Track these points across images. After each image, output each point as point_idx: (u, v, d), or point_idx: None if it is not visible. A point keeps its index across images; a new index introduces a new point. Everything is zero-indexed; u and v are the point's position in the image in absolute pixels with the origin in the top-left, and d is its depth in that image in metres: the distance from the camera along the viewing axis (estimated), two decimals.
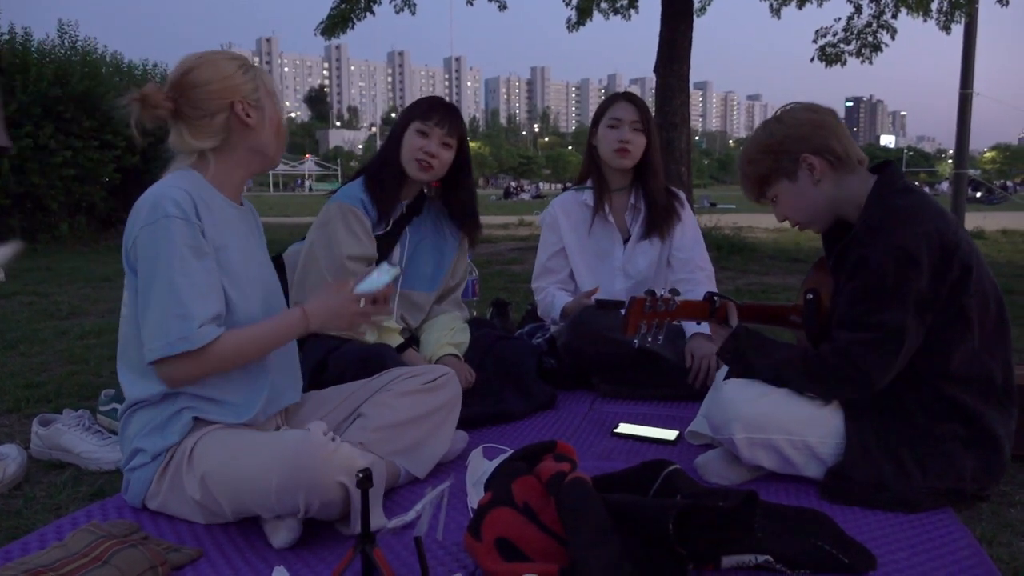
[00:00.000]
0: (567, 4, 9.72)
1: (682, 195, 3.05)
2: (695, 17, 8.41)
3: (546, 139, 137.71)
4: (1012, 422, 1.83)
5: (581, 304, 2.80)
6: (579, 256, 3.00)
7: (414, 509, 1.69)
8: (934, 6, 9.08)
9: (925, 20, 9.22)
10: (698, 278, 2.90)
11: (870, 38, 9.94)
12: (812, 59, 10.30)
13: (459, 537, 1.58)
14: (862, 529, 1.66)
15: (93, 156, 9.04)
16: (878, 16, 9.82)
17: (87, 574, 1.35)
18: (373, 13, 9.22)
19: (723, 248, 7.91)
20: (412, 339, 2.54)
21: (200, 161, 1.72)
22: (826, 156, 1.87)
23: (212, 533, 1.63)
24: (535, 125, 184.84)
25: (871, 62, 10.02)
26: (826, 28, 10.15)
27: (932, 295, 1.72)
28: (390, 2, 9.25)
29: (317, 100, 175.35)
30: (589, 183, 2.97)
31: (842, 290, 1.83)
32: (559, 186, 67.42)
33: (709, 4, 10.02)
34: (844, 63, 10.17)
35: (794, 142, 1.89)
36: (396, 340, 2.42)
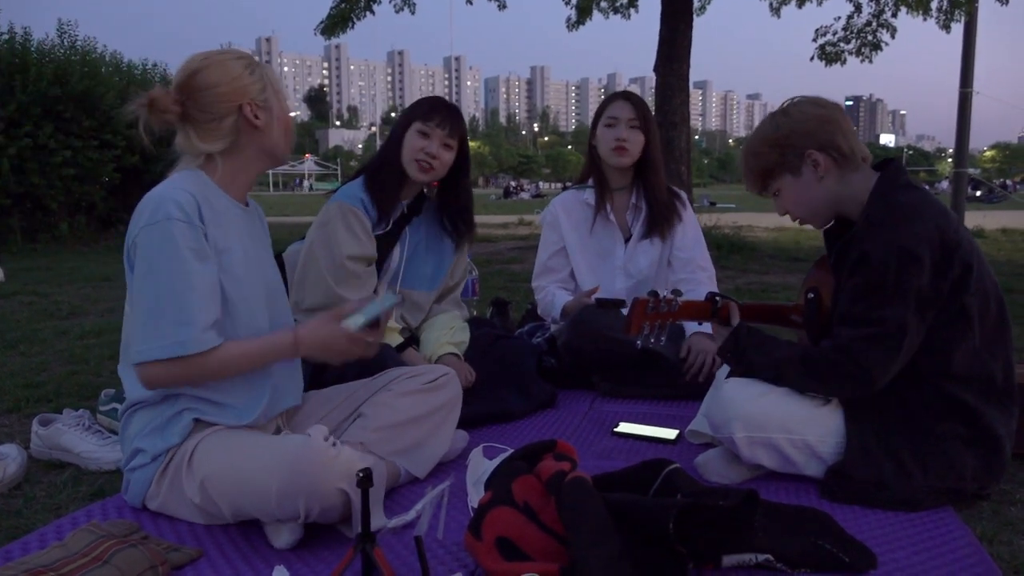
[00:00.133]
0: (567, 3, 9.72)
1: (683, 195, 3.05)
2: (695, 16, 8.41)
3: (546, 138, 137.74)
4: (1013, 421, 1.83)
5: (581, 303, 2.80)
6: (580, 255, 3.00)
7: (414, 508, 1.69)
8: (934, 5, 9.08)
9: (925, 19, 9.23)
10: (699, 278, 2.90)
11: (870, 37, 9.95)
12: (812, 58, 10.31)
13: (459, 536, 1.58)
14: (862, 528, 1.66)
15: (93, 156, 9.05)
16: (878, 15, 9.82)
17: (87, 574, 1.35)
18: (373, 12, 9.22)
19: (723, 247, 7.91)
20: (412, 339, 2.54)
21: (208, 162, 1.71)
22: (831, 153, 1.86)
23: (212, 533, 1.63)
24: (535, 124, 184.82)
25: (871, 61, 10.02)
26: (826, 27, 10.16)
27: (933, 293, 1.72)
28: (390, 1, 9.25)
29: (317, 100, 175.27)
30: (590, 182, 2.97)
31: (843, 287, 1.82)
32: (559, 185, 67.41)
33: (709, 3, 10.03)
34: (844, 62, 10.18)
35: (800, 137, 1.87)
36: (396, 340, 2.42)
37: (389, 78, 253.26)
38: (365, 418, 1.91)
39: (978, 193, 29.27)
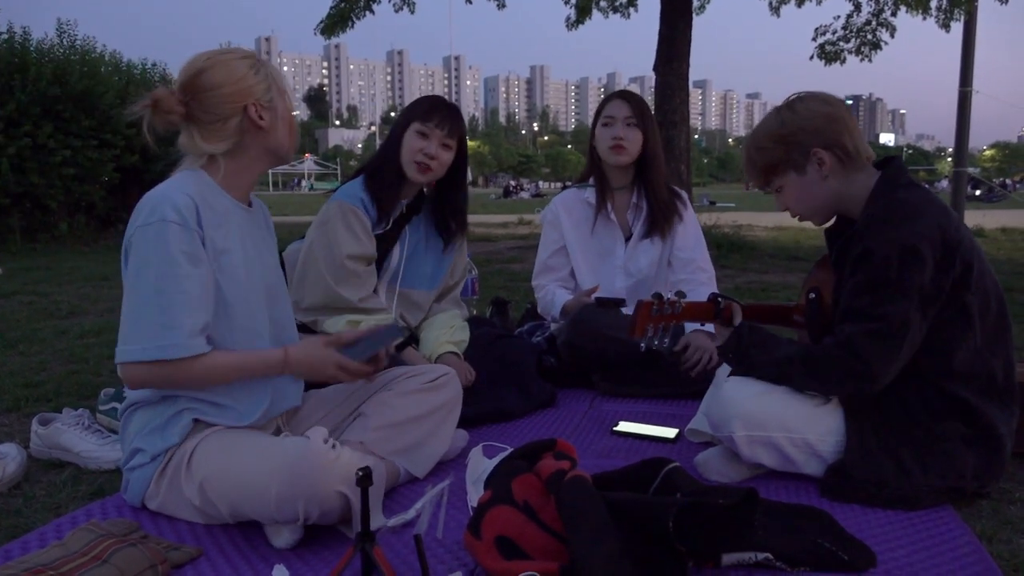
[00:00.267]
0: (566, 3, 9.72)
1: (684, 194, 3.05)
2: (694, 15, 8.41)
3: (545, 138, 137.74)
4: (1013, 420, 1.83)
5: (581, 302, 2.80)
6: (580, 254, 3.00)
7: (414, 507, 1.69)
8: (933, 4, 9.09)
9: (924, 18, 9.23)
10: (700, 279, 2.90)
11: (869, 36, 9.95)
12: (811, 57, 10.31)
13: (459, 535, 1.58)
14: (862, 527, 1.66)
15: (92, 155, 9.04)
16: (877, 14, 9.83)
17: (87, 573, 1.35)
18: (372, 12, 9.21)
19: (723, 246, 7.91)
20: (412, 338, 2.54)
21: (210, 162, 1.70)
22: (836, 152, 1.85)
23: (212, 532, 1.62)
24: (534, 124, 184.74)
25: (870, 60, 10.02)
26: (825, 26, 10.16)
27: (935, 290, 1.72)
28: (389, 1, 9.24)
29: (316, 99, 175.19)
30: (591, 181, 2.98)
31: (845, 284, 1.82)
32: (558, 185, 67.40)
33: (708, 2, 10.02)
34: (843, 61, 10.18)
35: (807, 135, 1.86)
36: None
37: (389, 78, 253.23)
38: (365, 417, 1.91)
39: (978, 192, 29.26)
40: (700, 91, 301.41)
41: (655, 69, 8.05)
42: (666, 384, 2.72)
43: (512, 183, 55.70)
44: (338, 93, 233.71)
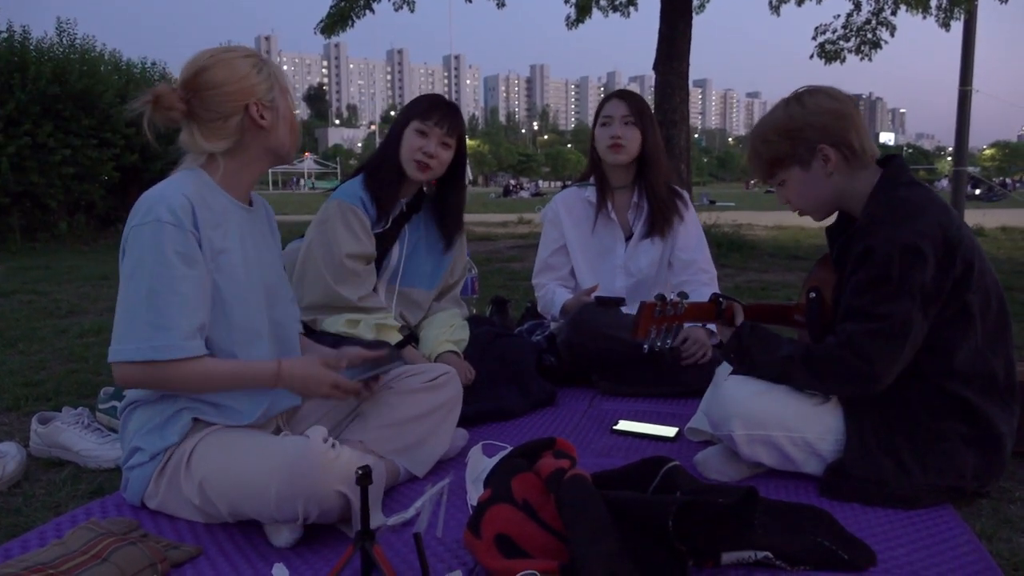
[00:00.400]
0: (566, 2, 9.71)
1: (685, 195, 3.05)
2: (694, 14, 8.41)
3: (545, 137, 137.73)
4: (1014, 419, 1.83)
5: (581, 301, 2.80)
6: (580, 253, 3.00)
7: (414, 506, 1.68)
8: (933, 3, 9.08)
9: (924, 17, 9.23)
10: (701, 280, 2.90)
11: (869, 35, 9.95)
12: (811, 56, 10.30)
13: (459, 534, 1.58)
14: (862, 525, 1.66)
15: (92, 154, 9.03)
16: (877, 13, 9.82)
17: (87, 572, 1.35)
18: (372, 11, 9.20)
19: (722, 246, 7.90)
20: (411, 336, 2.54)
21: (209, 161, 1.70)
22: (842, 149, 1.84)
23: (212, 531, 1.62)
24: (534, 123, 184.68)
25: (870, 59, 10.02)
26: (825, 25, 10.15)
27: (936, 289, 1.72)
28: (389, 0, 9.24)
29: (316, 98, 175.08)
30: (592, 180, 2.98)
31: (846, 283, 1.82)
32: (558, 184, 67.42)
33: (708, 1, 10.02)
34: (843, 60, 10.18)
35: (814, 130, 1.84)
36: (395, 338, 2.42)
37: (388, 77, 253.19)
38: (365, 416, 1.91)
39: (977, 191, 29.25)
40: (700, 90, 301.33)
41: (655, 68, 8.05)
42: (666, 383, 2.72)
43: (512, 182, 55.69)
44: (338, 92, 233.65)
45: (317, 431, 1.55)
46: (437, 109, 2.43)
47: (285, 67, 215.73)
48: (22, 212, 8.84)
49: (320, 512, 1.50)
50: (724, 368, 2.11)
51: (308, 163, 77.52)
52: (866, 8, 9.91)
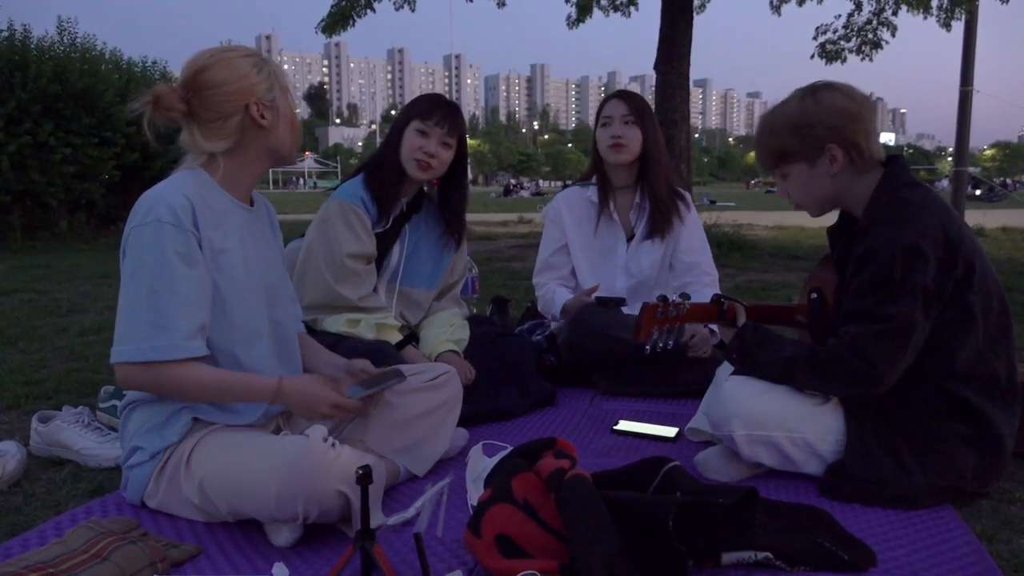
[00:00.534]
0: (567, 1, 9.70)
1: (688, 196, 3.05)
2: (695, 14, 8.40)
3: (546, 136, 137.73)
4: (1015, 420, 1.83)
5: (581, 301, 2.80)
6: (581, 253, 2.99)
7: (414, 506, 1.68)
8: (934, 3, 9.07)
9: (925, 17, 9.22)
10: (704, 282, 2.90)
11: (870, 35, 9.94)
12: (812, 56, 10.29)
13: (459, 534, 1.58)
14: (862, 526, 1.66)
15: (92, 153, 9.04)
16: (878, 13, 9.81)
17: (87, 570, 1.35)
18: (373, 10, 9.19)
19: (723, 246, 7.90)
20: (411, 336, 2.54)
21: (210, 161, 1.70)
22: (850, 151, 1.83)
23: (212, 530, 1.62)
24: (535, 122, 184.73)
25: (871, 59, 10.01)
26: (826, 25, 10.15)
27: (937, 290, 1.72)
28: None
29: (317, 97, 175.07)
30: (594, 179, 2.97)
31: (848, 284, 1.81)
32: (559, 183, 67.43)
33: (709, 1, 10.01)
34: (844, 60, 10.17)
35: (825, 129, 1.82)
36: (395, 337, 2.42)
37: (389, 76, 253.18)
38: (365, 416, 1.91)
39: (978, 192, 29.26)
40: (700, 90, 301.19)
41: (656, 68, 8.05)
42: (666, 383, 2.72)
43: (512, 182, 55.74)
44: (338, 91, 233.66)
45: (317, 430, 1.55)
46: (438, 109, 2.43)
47: (286, 66, 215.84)
48: (23, 211, 8.84)
49: (320, 512, 1.50)
50: (725, 368, 2.11)
51: (308, 162, 77.55)
52: (867, 8, 9.91)
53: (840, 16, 10.06)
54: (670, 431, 2.31)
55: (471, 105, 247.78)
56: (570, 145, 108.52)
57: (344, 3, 9.08)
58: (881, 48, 9.96)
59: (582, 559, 1.30)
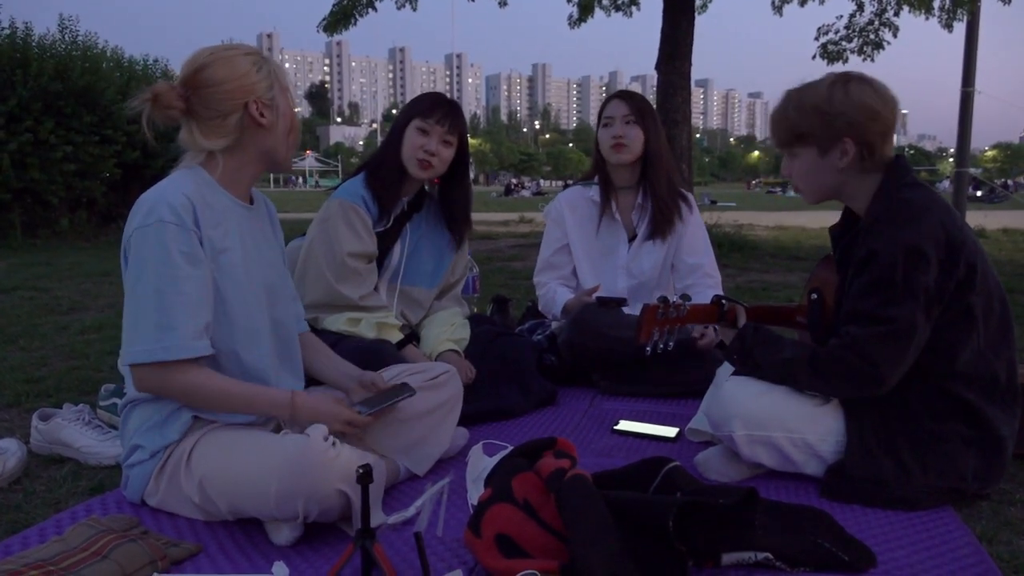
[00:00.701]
0: (569, 1, 9.70)
1: (691, 198, 3.05)
2: (696, 14, 8.39)
3: (547, 136, 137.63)
4: (1015, 421, 1.83)
5: (582, 302, 2.80)
6: (583, 252, 2.99)
7: (414, 505, 1.68)
8: (936, 4, 9.07)
9: (927, 18, 9.21)
10: (707, 284, 2.90)
11: (872, 36, 9.93)
12: (814, 57, 10.29)
13: (459, 533, 1.58)
14: (862, 527, 1.66)
15: (93, 151, 9.03)
16: (880, 14, 9.81)
17: (87, 568, 1.35)
18: (375, 9, 9.19)
19: (724, 246, 7.90)
20: (412, 335, 2.54)
21: (209, 159, 1.69)
22: (863, 149, 1.83)
23: (212, 528, 1.63)
24: (536, 122, 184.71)
25: (873, 60, 10.00)
26: (828, 26, 10.14)
27: (939, 291, 1.72)
28: None
29: (318, 96, 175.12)
30: (596, 179, 2.97)
31: (850, 285, 1.81)
32: (559, 183, 67.44)
33: (711, 1, 10.00)
34: (846, 61, 10.15)
35: (845, 121, 1.81)
36: (396, 336, 2.42)
37: (390, 75, 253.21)
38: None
39: (979, 193, 29.23)
40: (702, 90, 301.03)
41: (657, 68, 8.05)
42: (666, 383, 2.72)
43: (513, 181, 55.74)
44: (340, 90, 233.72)
45: (317, 429, 1.55)
46: (438, 107, 2.43)
47: (287, 65, 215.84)
48: (23, 208, 8.84)
49: (320, 511, 1.50)
50: (725, 368, 2.11)
51: (309, 161, 77.56)
52: (869, 9, 9.90)
53: (842, 17, 10.06)
54: (670, 431, 2.31)
55: (472, 104, 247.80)
56: (571, 145, 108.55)
57: (346, 2, 9.08)
58: (883, 49, 9.95)
59: (582, 559, 1.30)
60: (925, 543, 1.60)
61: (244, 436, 1.63)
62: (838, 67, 10.18)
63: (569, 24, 9.98)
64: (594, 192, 2.97)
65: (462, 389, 2.07)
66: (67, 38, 9.75)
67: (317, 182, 71.26)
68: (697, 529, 1.41)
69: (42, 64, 8.78)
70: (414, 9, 9.57)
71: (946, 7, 9.17)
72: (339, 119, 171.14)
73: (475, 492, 1.76)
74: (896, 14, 9.66)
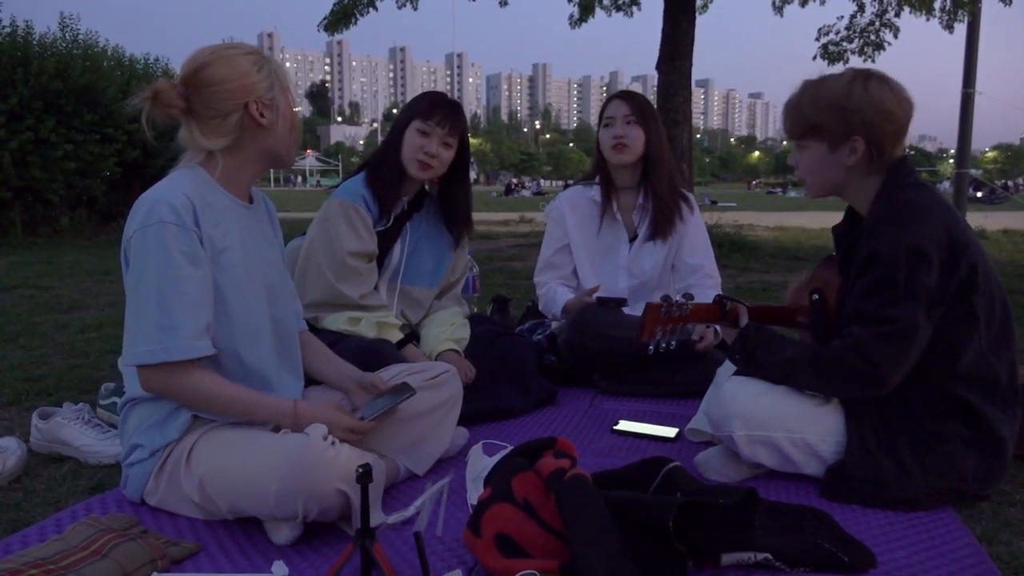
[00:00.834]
0: (569, 1, 9.70)
1: (692, 198, 3.04)
2: (697, 14, 8.39)
3: (547, 136, 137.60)
4: (1016, 422, 1.83)
5: (582, 302, 2.80)
6: (584, 252, 2.99)
7: (414, 505, 1.68)
8: (937, 5, 9.06)
9: (928, 19, 9.21)
10: (707, 284, 2.90)
11: (873, 37, 9.93)
12: (815, 57, 10.29)
13: (459, 533, 1.58)
14: (862, 527, 1.66)
15: (94, 150, 9.04)
16: (881, 15, 9.80)
17: (86, 567, 1.35)
18: (376, 8, 9.19)
19: (724, 246, 7.90)
20: (412, 335, 2.54)
21: (208, 159, 1.69)
22: (872, 149, 1.82)
23: (212, 528, 1.63)
24: (536, 122, 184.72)
25: (873, 61, 10.00)
26: (829, 26, 10.13)
27: (940, 292, 1.72)
28: None
29: (318, 95, 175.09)
30: (597, 179, 2.97)
31: (852, 285, 1.81)
32: (560, 183, 67.47)
33: (711, 1, 10.00)
34: (846, 61, 10.15)
35: (860, 118, 1.80)
36: (396, 336, 2.42)
37: (391, 74, 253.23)
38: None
39: (979, 194, 29.21)
40: (702, 90, 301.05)
41: (658, 68, 8.04)
42: (666, 383, 2.72)
43: (514, 181, 55.74)
44: (340, 89, 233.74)
45: (317, 429, 1.55)
46: (439, 108, 2.43)
47: (287, 64, 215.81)
48: (24, 207, 8.84)
49: (320, 510, 1.50)
50: (725, 368, 2.12)
51: (310, 160, 77.58)
52: (869, 9, 9.89)
53: (843, 17, 10.06)
54: (670, 431, 2.31)
55: (473, 104, 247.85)
56: (571, 145, 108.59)
57: (346, 1, 9.08)
58: (883, 49, 9.95)
59: (582, 559, 1.30)
60: (925, 544, 1.60)
61: (244, 435, 1.63)
62: (838, 68, 10.18)
63: (570, 24, 9.97)
64: (595, 192, 2.96)
65: (462, 389, 2.07)
66: (68, 37, 9.76)
67: (318, 181, 71.35)
68: (697, 529, 1.41)
69: (43, 63, 8.79)
70: (415, 8, 9.57)
71: (947, 8, 9.17)
72: (340, 118, 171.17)
73: (475, 492, 1.76)
74: (897, 15, 9.66)
